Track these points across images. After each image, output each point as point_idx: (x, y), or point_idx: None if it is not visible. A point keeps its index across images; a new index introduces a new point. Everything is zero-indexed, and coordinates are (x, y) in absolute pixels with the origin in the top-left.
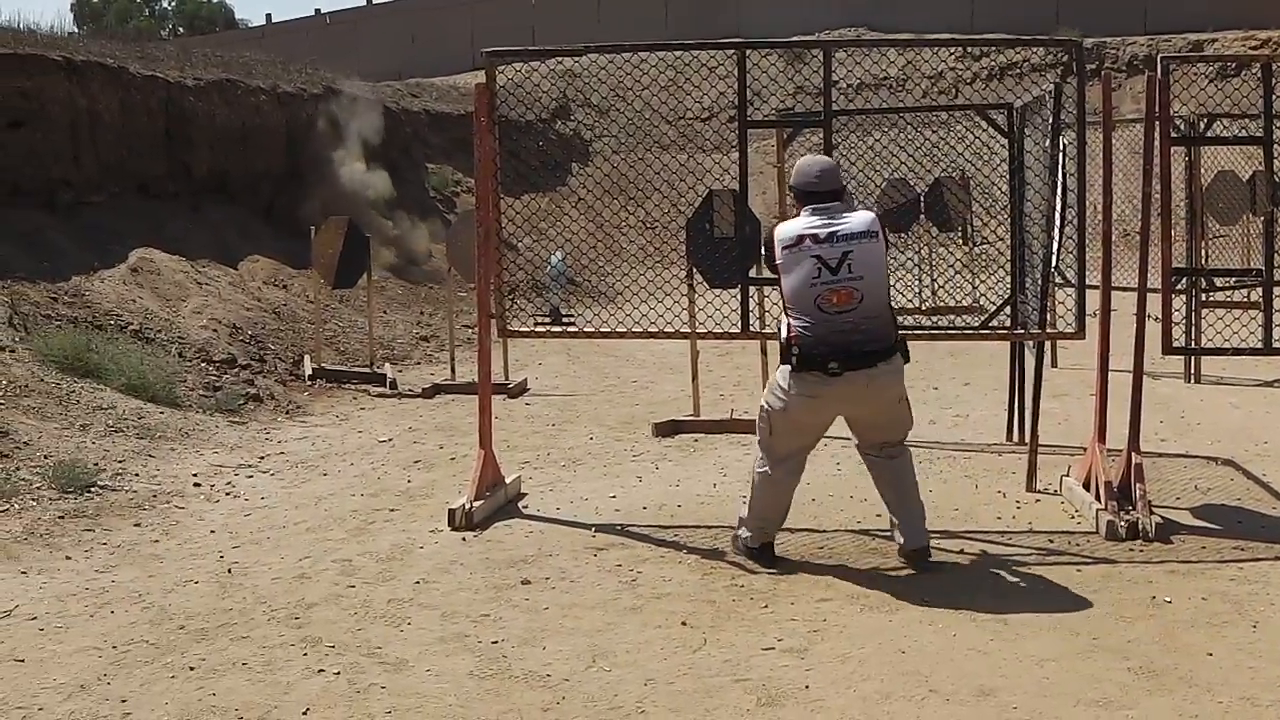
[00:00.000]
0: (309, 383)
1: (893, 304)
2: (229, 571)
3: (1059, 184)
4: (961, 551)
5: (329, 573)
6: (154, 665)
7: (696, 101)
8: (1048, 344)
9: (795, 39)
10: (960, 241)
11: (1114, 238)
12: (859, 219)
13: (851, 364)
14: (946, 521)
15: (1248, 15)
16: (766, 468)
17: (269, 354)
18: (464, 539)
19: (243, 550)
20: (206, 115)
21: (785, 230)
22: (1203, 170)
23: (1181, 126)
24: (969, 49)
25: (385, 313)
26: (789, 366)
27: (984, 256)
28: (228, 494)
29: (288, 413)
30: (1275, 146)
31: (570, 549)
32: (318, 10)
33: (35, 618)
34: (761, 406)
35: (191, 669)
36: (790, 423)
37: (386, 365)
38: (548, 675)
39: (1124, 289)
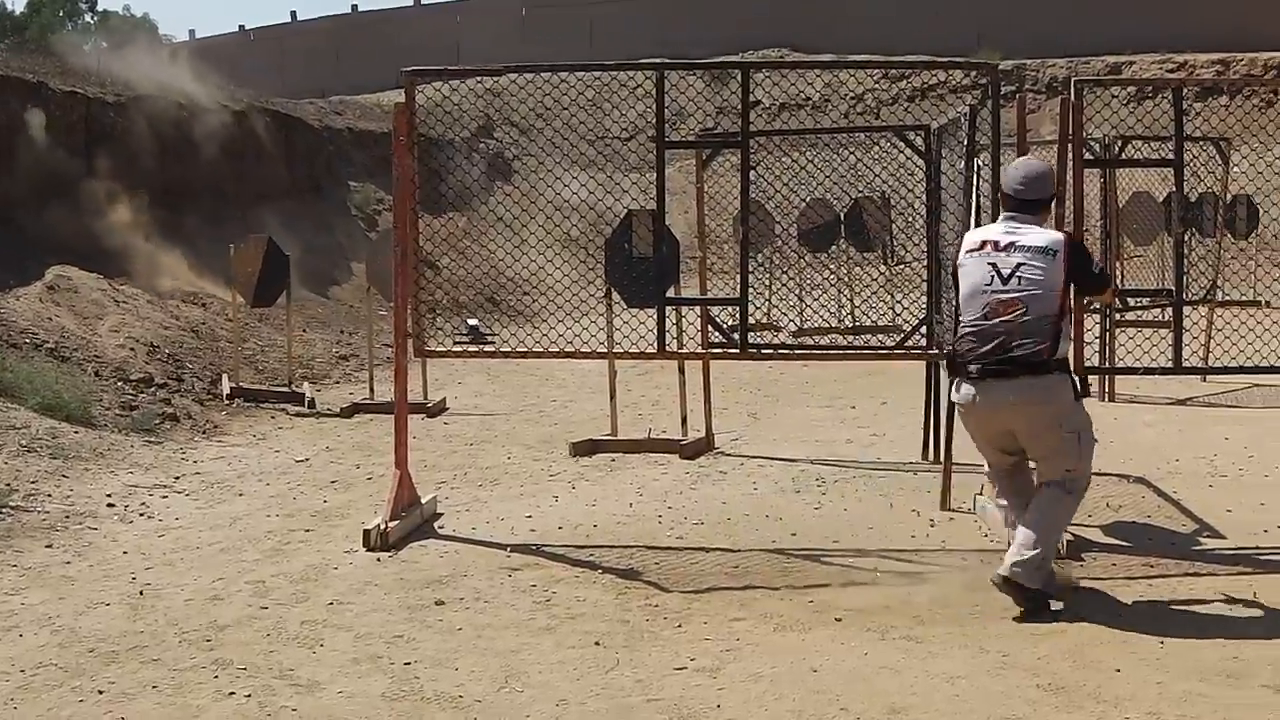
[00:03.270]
0: (226, 402)
1: (1061, 326)
2: (141, 593)
3: (973, 205)
4: (875, 570)
5: (242, 594)
6: (62, 689)
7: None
8: None
9: (715, 60)
10: (880, 261)
11: None
12: (1043, 235)
13: (990, 372)
14: (861, 540)
15: (1165, 39)
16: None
17: (187, 373)
18: (379, 559)
19: (156, 572)
20: (127, 131)
21: (973, 235)
22: (1119, 191)
23: (1096, 148)
24: (890, 70)
25: (304, 331)
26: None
27: (904, 276)
28: (142, 515)
29: (204, 432)
30: (1186, 169)
31: (485, 569)
32: (242, 26)
33: None
34: None
35: (100, 692)
36: (967, 431)
37: (305, 384)
38: (460, 696)
39: None
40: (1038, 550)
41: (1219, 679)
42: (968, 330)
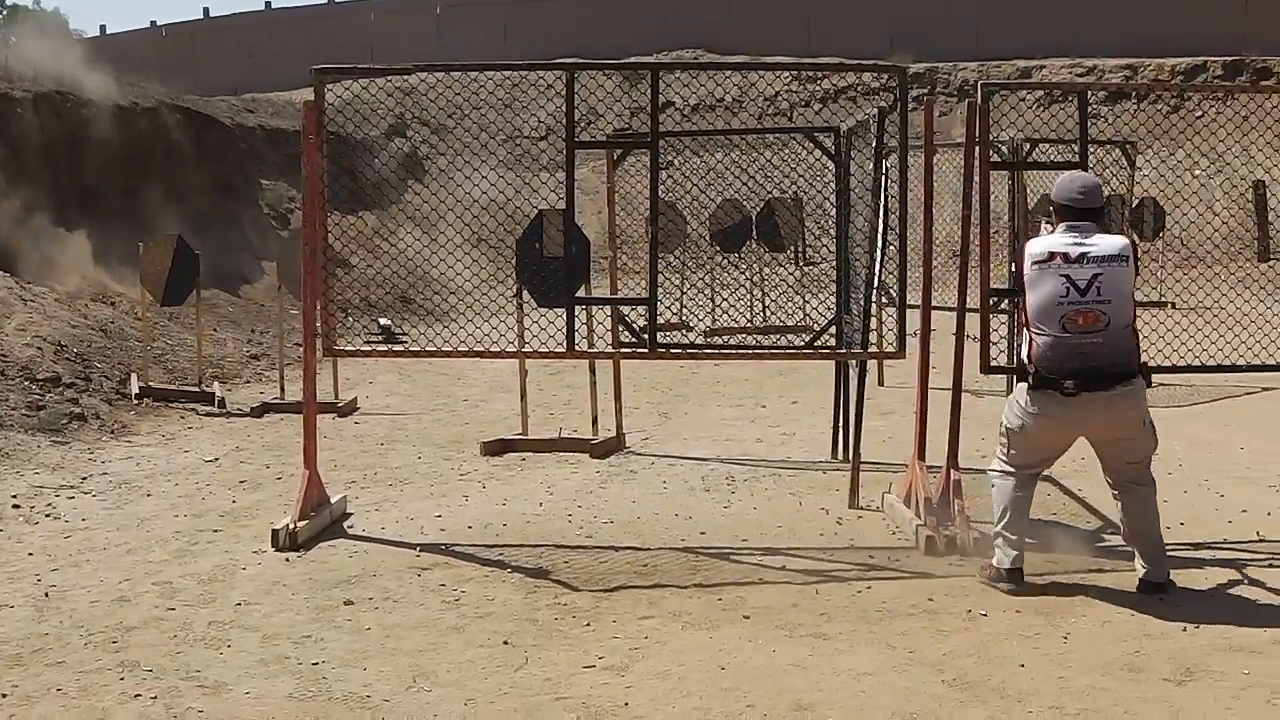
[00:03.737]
0: (136, 402)
1: (1138, 330)
2: (46, 595)
3: (882, 206)
4: (784, 568)
5: (149, 595)
6: None
7: (527, 122)
8: (874, 363)
9: (626, 61)
10: (792, 261)
11: (946, 258)
12: (1111, 242)
13: (1089, 385)
14: (770, 538)
15: (1075, 44)
16: (1007, 474)
17: (95, 372)
18: (287, 560)
19: (61, 573)
20: (33, 127)
21: (1037, 245)
22: (1030, 193)
23: (1005, 151)
24: (803, 72)
25: (215, 330)
26: (1026, 384)
27: (815, 276)
28: (48, 515)
29: (113, 432)
30: (1093, 172)
31: (394, 569)
32: (153, 22)
33: None
34: (1001, 423)
35: (4, 696)
36: (1027, 441)
37: (215, 384)
38: (368, 696)
39: (946, 309)
40: (1163, 544)
41: (1121, 673)
42: (1049, 345)
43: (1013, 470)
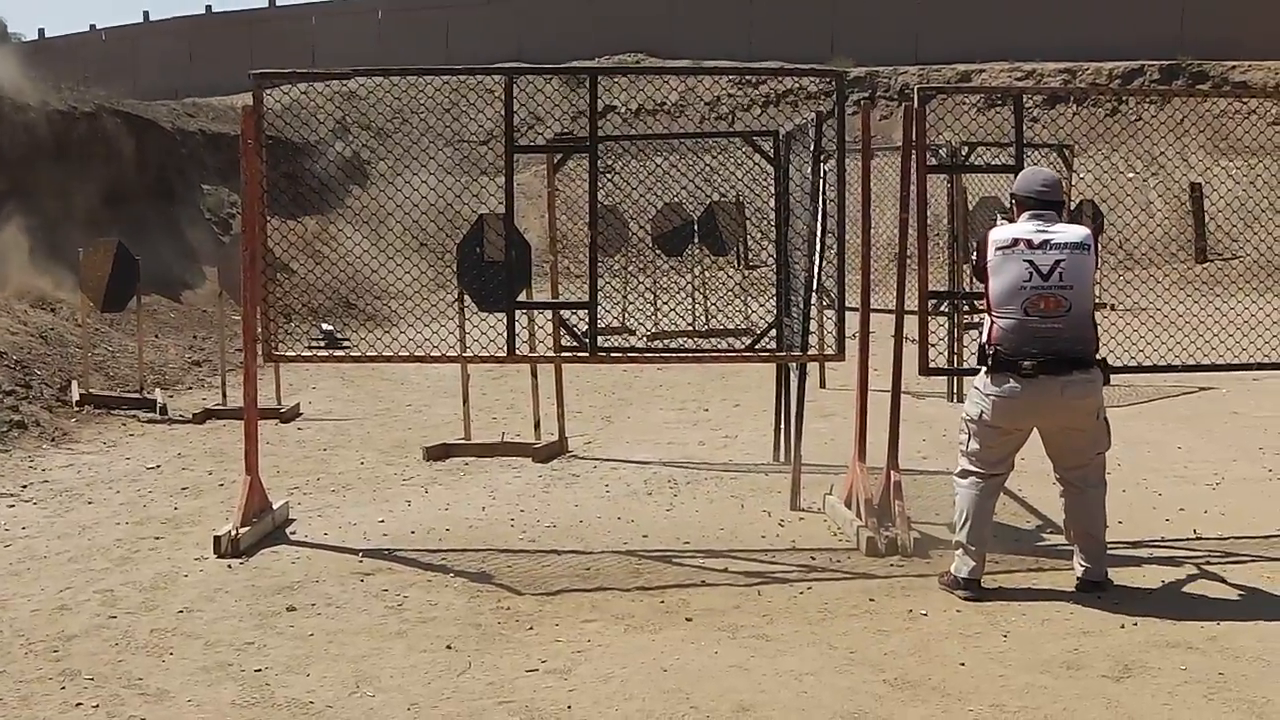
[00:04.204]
0: (76, 409)
1: (1095, 320)
2: None
3: (820, 209)
4: (726, 570)
5: (90, 603)
6: None
7: (467, 126)
8: (816, 365)
9: (565, 65)
10: (735, 265)
11: (887, 261)
12: (1074, 231)
13: (1047, 368)
14: (712, 541)
15: (1014, 48)
16: (973, 478)
17: (35, 379)
18: (230, 566)
19: (1, 582)
20: None
21: (1001, 233)
22: (970, 196)
23: (944, 154)
24: (745, 76)
25: (156, 336)
26: (985, 369)
27: (757, 280)
28: None
29: (53, 440)
30: None
31: (337, 574)
32: (93, 26)
33: None
34: (962, 417)
35: None
36: (987, 430)
37: (157, 390)
38: (310, 702)
39: (885, 311)
40: (1104, 545)
41: (1059, 670)
42: (1011, 328)
43: (975, 472)
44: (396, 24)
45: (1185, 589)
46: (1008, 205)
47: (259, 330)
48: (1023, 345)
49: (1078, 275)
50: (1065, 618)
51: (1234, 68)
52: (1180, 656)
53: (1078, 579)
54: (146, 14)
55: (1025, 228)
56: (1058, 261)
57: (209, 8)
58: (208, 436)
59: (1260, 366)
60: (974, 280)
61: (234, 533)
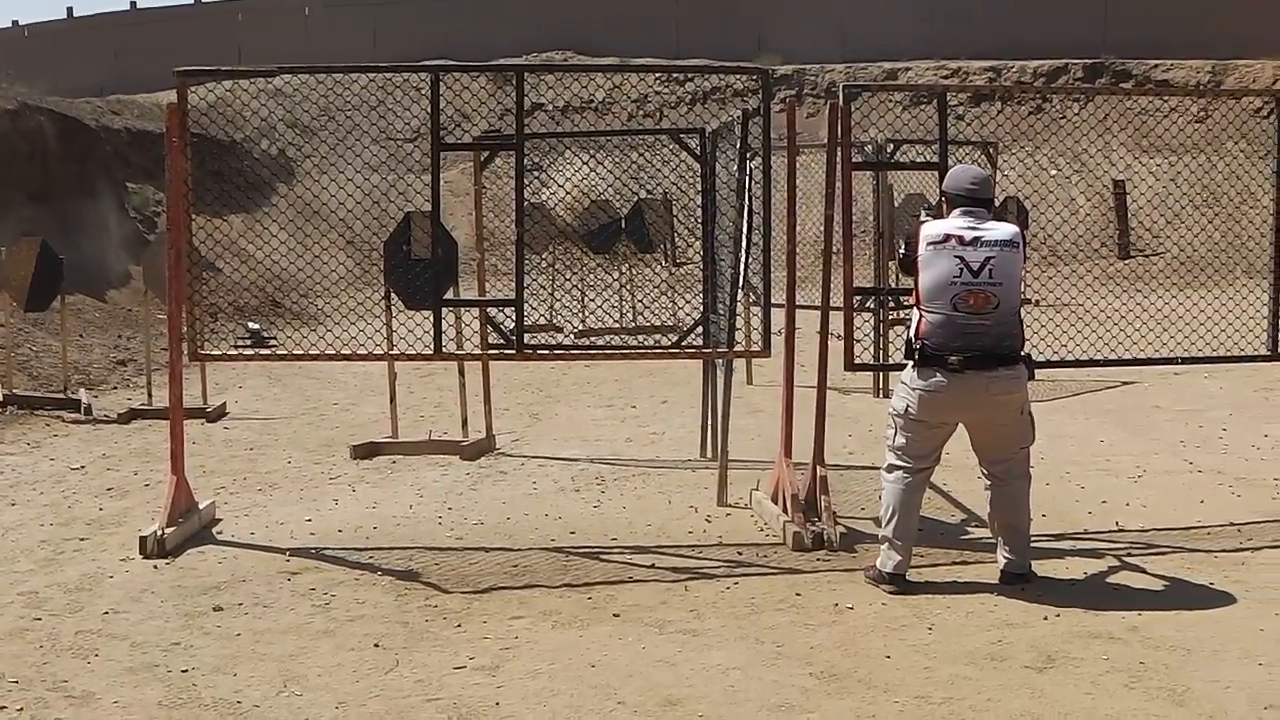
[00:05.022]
0: None
1: (1022, 317)
2: None
3: (746, 207)
4: (653, 566)
5: (14, 606)
6: None
7: (392, 124)
8: (743, 361)
9: (491, 63)
10: (662, 262)
11: (815, 258)
12: (1004, 229)
13: (974, 364)
14: (639, 537)
15: (940, 46)
16: (900, 472)
17: None
18: (156, 567)
19: None
20: None
21: (933, 228)
22: (896, 193)
23: (869, 151)
24: (672, 74)
25: (81, 336)
26: (912, 363)
27: (685, 277)
28: None
29: None
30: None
31: (264, 574)
32: (15, 21)
33: None
34: (889, 412)
35: None
36: (913, 424)
37: (81, 390)
38: (238, 702)
39: (811, 307)
40: (1029, 537)
41: (984, 661)
42: (940, 323)
43: (901, 466)
44: (323, 21)
45: (1107, 580)
46: (934, 202)
47: (184, 329)
48: (951, 340)
49: (1007, 272)
50: (989, 610)
51: (1156, 66)
52: (1102, 646)
53: (1001, 571)
54: (70, 10)
55: (957, 224)
56: (988, 258)
57: (134, 4)
58: (133, 436)
59: (1181, 360)
60: (902, 274)
61: (160, 533)
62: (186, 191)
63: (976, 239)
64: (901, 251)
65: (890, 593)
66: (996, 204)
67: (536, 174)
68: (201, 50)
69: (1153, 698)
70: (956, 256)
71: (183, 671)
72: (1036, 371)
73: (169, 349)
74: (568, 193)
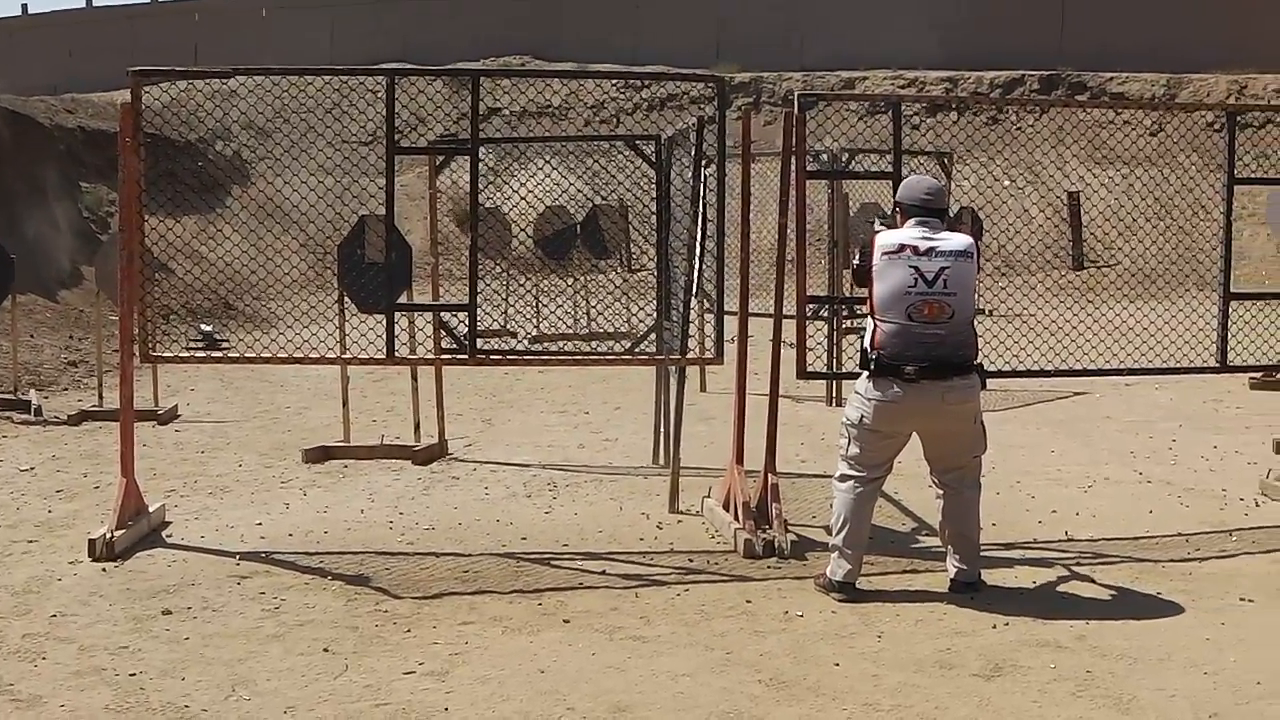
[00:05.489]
0: None
1: (976, 327)
2: None
3: (701, 214)
4: (604, 573)
5: None
6: None
7: (348, 127)
8: (697, 369)
9: (448, 67)
10: (618, 268)
11: (770, 265)
12: (958, 239)
13: (928, 373)
14: (590, 543)
15: (896, 56)
16: (852, 482)
17: None
18: (104, 570)
19: None
20: None
21: (887, 238)
22: (852, 202)
23: (825, 159)
24: (630, 80)
25: (32, 336)
26: (867, 373)
27: (639, 283)
28: None
29: None
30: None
31: (214, 578)
32: None
33: None
34: (842, 421)
35: None
36: (866, 434)
37: (31, 391)
38: (186, 706)
39: (765, 315)
40: (978, 546)
41: (932, 669)
42: (894, 332)
43: (854, 475)
44: (280, 22)
45: (1056, 589)
46: (890, 211)
47: (135, 331)
48: (905, 350)
49: (961, 282)
50: (938, 618)
51: (1111, 79)
52: (1050, 655)
53: (951, 580)
54: (25, 6)
55: (911, 234)
56: (943, 269)
57: (90, 2)
58: (83, 438)
59: (1132, 372)
60: (856, 285)
61: (109, 536)
62: (139, 192)
63: (931, 249)
64: (856, 262)
65: (839, 600)
66: (951, 215)
67: (492, 179)
68: (158, 50)
69: (1099, 706)
70: (911, 266)
71: (131, 675)
72: (989, 381)
73: (120, 350)
74: (522, 198)
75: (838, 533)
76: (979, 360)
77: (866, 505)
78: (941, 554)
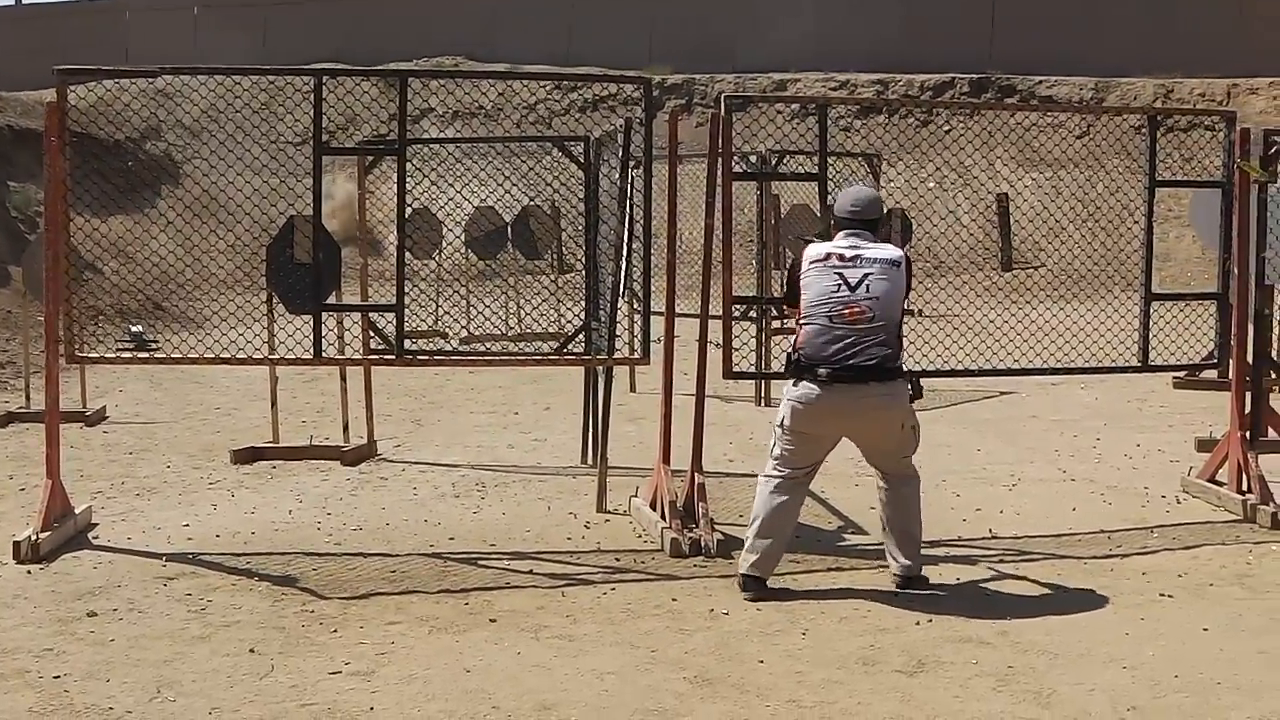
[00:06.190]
0: None
1: (903, 336)
2: None
3: (627, 215)
4: (531, 572)
5: None
6: None
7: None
8: (626, 369)
9: (378, 67)
10: (549, 270)
11: (697, 266)
12: (887, 251)
13: (842, 375)
14: (518, 543)
15: (828, 59)
16: (772, 479)
17: None
18: (29, 572)
19: None
20: None
21: (815, 249)
22: (783, 204)
23: (754, 160)
24: (561, 81)
25: None
26: (792, 375)
27: (569, 284)
28: None
29: None
30: (834, 183)
31: (140, 579)
32: None
33: None
34: (771, 421)
35: None
36: (789, 435)
37: None
38: (110, 709)
39: (691, 316)
40: (920, 541)
41: (855, 666)
42: (815, 334)
43: (778, 475)
44: (212, 22)
45: (979, 586)
46: (824, 224)
47: (61, 331)
48: (821, 352)
49: (886, 290)
50: (863, 616)
51: (1041, 82)
52: (972, 651)
53: (895, 576)
54: None
55: (839, 244)
56: (866, 274)
57: (19, 1)
58: (9, 440)
59: (1057, 371)
60: (787, 302)
61: (34, 538)
62: (65, 192)
63: (857, 256)
64: (788, 278)
65: (747, 599)
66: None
67: (415, 180)
68: (88, 48)
69: (1019, 700)
70: (836, 272)
71: (55, 678)
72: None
73: (45, 351)
74: (450, 199)
75: (750, 526)
76: (905, 368)
77: (785, 503)
78: (866, 552)
